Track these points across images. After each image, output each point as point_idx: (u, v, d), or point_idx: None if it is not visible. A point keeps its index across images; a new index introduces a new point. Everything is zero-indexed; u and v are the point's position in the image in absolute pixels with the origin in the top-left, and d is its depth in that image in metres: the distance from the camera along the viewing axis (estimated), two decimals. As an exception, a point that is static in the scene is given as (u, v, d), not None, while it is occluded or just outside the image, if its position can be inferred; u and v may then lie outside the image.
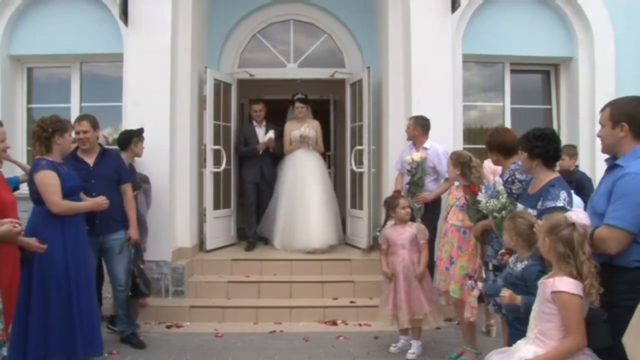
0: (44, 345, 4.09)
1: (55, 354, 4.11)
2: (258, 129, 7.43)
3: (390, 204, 4.98)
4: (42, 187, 4.13)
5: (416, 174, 5.44)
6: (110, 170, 4.93)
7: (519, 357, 2.60)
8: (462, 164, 4.48)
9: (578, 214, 2.65)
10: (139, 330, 5.32)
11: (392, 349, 4.92)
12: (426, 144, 5.79)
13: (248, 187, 7.42)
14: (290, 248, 6.95)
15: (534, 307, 2.72)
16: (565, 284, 2.53)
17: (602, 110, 3.00)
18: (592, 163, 6.38)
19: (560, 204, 3.24)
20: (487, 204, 3.79)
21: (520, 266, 3.17)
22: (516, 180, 3.93)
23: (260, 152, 7.24)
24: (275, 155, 7.44)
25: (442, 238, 4.73)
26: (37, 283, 4.06)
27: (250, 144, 7.34)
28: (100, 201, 4.49)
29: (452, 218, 4.62)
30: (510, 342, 3.02)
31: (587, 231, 2.64)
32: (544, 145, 3.45)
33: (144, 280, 5.10)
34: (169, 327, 5.55)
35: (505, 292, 3.00)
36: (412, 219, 5.06)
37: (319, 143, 7.50)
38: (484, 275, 4.18)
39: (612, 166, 2.91)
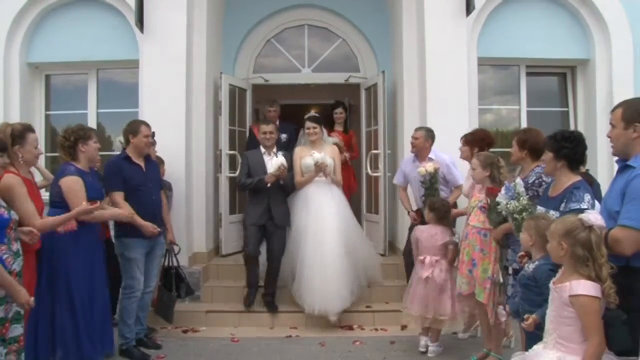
0: (52, 346, 4.15)
1: (64, 354, 4.15)
2: (266, 156, 5.92)
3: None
4: (68, 192, 4.17)
5: (432, 185, 5.40)
6: (157, 174, 5.20)
7: None
8: (491, 165, 4.43)
9: (593, 215, 2.62)
10: (156, 334, 5.37)
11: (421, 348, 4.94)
12: (430, 155, 5.69)
13: (250, 232, 5.80)
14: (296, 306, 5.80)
15: (550, 312, 2.68)
16: (583, 286, 2.51)
17: (614, 110, 2.97)
18: (610, 166, 6.25)
19: (584, 206, 3.20)
20: (508, 206, 3.74)
21: (531, 266, 3.17)
22: (543, 183, 3.90)
23: (269, 184, 5.70)
24: (287, 189, 5.98)
25: (463, 240, 4.68)
26: (47, 284, 4.10)
27: (256, 175, 5.82)
28: (123, 212, 4.61)
29: (474, 220, 4.56)
30: (529, 346, 2.98)
31: (602, 233, 2.60)
32: (572, 147, 3.42)
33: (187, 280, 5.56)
34: (185, 331, 5.58)
35: (529, 319, 2.94)
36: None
37: (337, 173, 6.07)
38: (501, 280, 4.15)
39: (623, 167, 2.88)
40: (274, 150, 5.95)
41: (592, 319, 2.48)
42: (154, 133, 5.58)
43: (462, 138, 5.31)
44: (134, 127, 4.97)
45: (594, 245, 2.55)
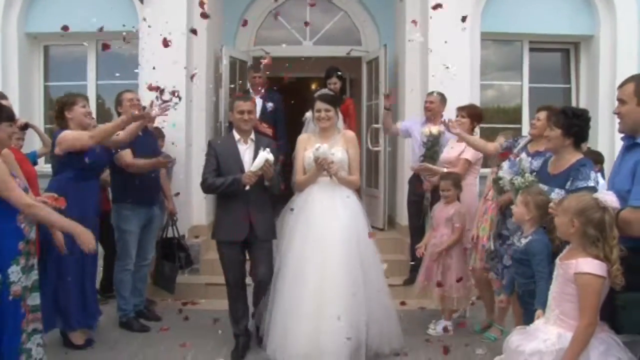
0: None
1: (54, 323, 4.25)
2: (242, 145, 4.39)
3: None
4: (72, 139, 4.21)
5: (433, 147, 5.42)
6: (154, 145, 5.22)
7: (543, 339, 2.57)
8: None
9: (609, 196, 2.58)
10: (155, 307, 5.42)
11: (430, 331, 4.88)
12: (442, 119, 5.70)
13: (225, 253, 4.36)
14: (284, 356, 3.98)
15: (553, 288, 2.69)
16: (589, 265, 2.50)
17: (623, 85, 2.84)
18: (612, 143, 6.24)
19: (591, 184, 3.18)
20: (513, 181, 3.65)
21: (524, 241, 3.20)
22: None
23: (248, 187, 4.12)
24: (274, 192, 4.39)
25: (481, 216, 4.67)
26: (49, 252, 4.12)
27: (229, 172, 4.26)
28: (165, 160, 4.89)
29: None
30: (526, 322, 3.01)
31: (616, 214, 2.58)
32: (582, 125, 3.38)
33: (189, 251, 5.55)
34: (184, 304, 5.61)
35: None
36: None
37: (353, 170, 4.39)
38: (492, 247, 4.26)
39: (632, 145, 2.80)
40: (252, 137, 4.42)
41: (590, 298, 2.49)
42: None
43: (461, 110, 5.23)
44: (118, 98, 5.07)
45: (607, 226, 2.53)
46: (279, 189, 4.41)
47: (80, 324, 4.41)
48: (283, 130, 6.82)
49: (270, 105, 6.66)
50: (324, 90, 4.54)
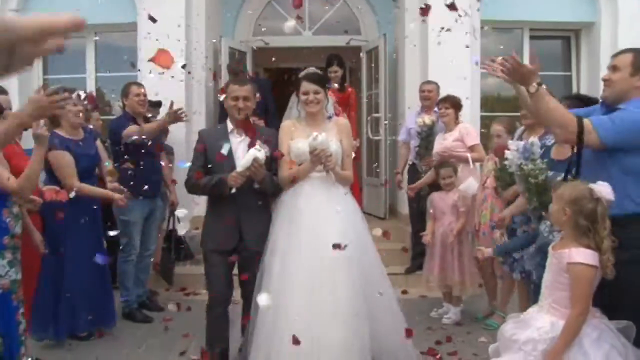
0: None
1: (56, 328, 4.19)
2: (234, 137, 3.74)
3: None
4: (56, 168, 4.12)
5: (427, 137, 5.48)
6: (157, 137, 5.11)
7: (537, 327, 2.58)
8: (514, 129, 4.46)
9: (604, 188, 2.56)
10: (158, 297, 5.44)
11: (433, 313, 4.96)
12: (436, 109, 5.70)
13: (212, 264, 3.68)
14: None
15: (547, 277, 2.68)
16: (582, 255, 2.50)
17: (619, 54, 2.79)
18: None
19: None
20: (523, 167, 3.49)
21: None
22: None
23: (234, 189, 3.50)
24: (264, 193, 3.71)
25: (481, 204, 4.69)
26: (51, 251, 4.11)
27: (219, 169, 3.64)
28: (118, 198, 4.33)
29: (492, 183, 4.56)
30: None
31: (609, 206, 2.56)
32: None
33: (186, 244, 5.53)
34: (186, 294, 5.63)
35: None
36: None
37: (347, 165, 3.70)
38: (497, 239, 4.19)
39: (609, 111, 2.75)
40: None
41: (582, 288, 2.49)
42: (159, 102, 5.56)
43: (444, 102, 5.25)
44: (125, 89, 4.99)
45: (599, 217, 2.51)
46: (275, 189, 3.68)
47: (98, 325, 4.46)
48: (275, 120, 5.99)
49: (257, 95, 6.30)
50: (310, 69, 3.73)
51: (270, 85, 6.67)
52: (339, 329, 3.22)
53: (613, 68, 2.77)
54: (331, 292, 3.26)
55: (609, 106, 2.79)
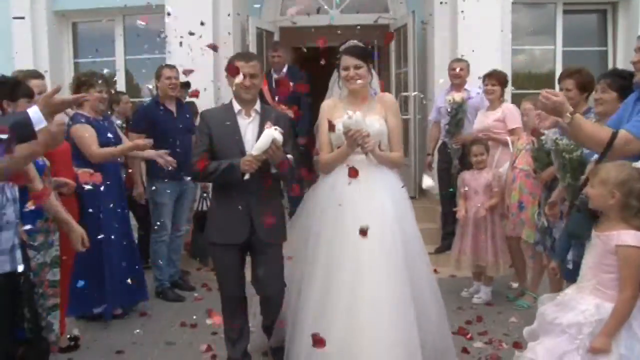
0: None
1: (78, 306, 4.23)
2: (242, 119, 3.33)
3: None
4: (78, 140, 4.19)
5: (457, 115, 5.39)
6: (188, 120, 5.14)
7: (581, 310, 2.51)
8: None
9: None
10: (189, 277, 5.51)
11: (463, 293, 4.94)
12: (467, 87, 5.67)
13: (221, 258, 3.39)
14: None
15: (589, 258, 2.60)
16: (632, 237, 2.43)
17: None
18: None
19: None
20: (558, 141, 3.46)
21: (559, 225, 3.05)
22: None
23: (248, 175, 3.13)
24: (278, 178, 3.39)
25: (510, 185, 4.64)
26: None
27: (225, 154, 3.26)
28: (139, 142, 4.41)
29: (521, 163, 4.51)
30: None
31: None
32: (631, 87, 3.22)
33: None
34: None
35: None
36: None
37: (395, 146, 3.40)
38: (546, 224, 4.02)
39: None
40: (257, 108, 3.36)
41: (632, 271, 2.42)
42: (188, 83, 5.58)
43: (490, 78, 5.18)
44: (157, 72, 5.05)
45: None
46: (294, 176, 3.41)
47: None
48: (308, 113, 5.95)
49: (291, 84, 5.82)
50: (352, 42, 3.38)
51: (305, 76, 6.27)
52: (386, 330, 2.95)
53: None
54: (374, 293, 2.99)
55: None
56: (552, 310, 2.64)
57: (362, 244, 2.98)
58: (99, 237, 4.04)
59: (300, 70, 6.71)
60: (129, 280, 4.23)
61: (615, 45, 6.94)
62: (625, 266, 2.43)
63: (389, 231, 3.09)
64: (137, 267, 4.57)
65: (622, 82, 3.28)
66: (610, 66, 6.87)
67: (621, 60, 6.80)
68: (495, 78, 5.16)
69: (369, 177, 3.20)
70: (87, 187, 3.81)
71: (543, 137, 3.72)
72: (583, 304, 2.52)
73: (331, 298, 3.03)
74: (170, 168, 4.59)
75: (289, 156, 3.25)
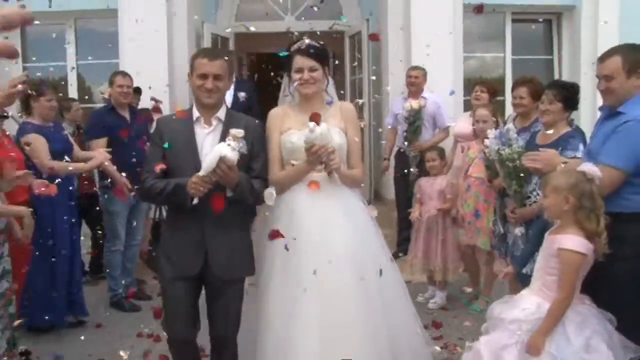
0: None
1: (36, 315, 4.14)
2: (200, 128, 2.78)
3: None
4: (31, 151, 4.08)
5: (415, 122, 5.50)
6: (142, 127, 5.03)
7: (523, 308, 2.63)
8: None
9: (591, 167, 2.58)
10: (145, 286, 5.43)
11: (419, 298, 4.99)
12: (424, 94, 5.77)
13: (168, 292, 2.83)
14: None
15: (539, 259, 2.74)
16: (571, 241, 2.54)
17: (605, 60, 2.73)
18: (593, 116, 6.25)
19: (579, 155, 3.20)
20: (500, 152, 3.62)
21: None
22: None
23: (197, 200, 2.58)
24: (239, 202, 2.73)
25: (464, 193, 4.71)
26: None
27: (179, 169, 2.72)
28: (98, 160, 4.36)
29: (475, 171, 4.59)
30: None
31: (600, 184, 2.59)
32: (576, 98, 3.48)
33: None
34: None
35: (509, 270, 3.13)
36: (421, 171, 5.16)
37: (354, 160, 2.96)
38: (502, 230, 4.10)
39: (614, 114, 2.74)
40: (219, 115, 2.80)
41: (569, 275, 2.54)
42: (138, 88, 5.51)
43: (482, 86, 5.30)
44: (110, 78, 4.99)
45: (596, 196, 2.55)
46: (255, 196, 2.75)
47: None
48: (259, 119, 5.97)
49: (242, 94, 5.71)
50: (305, 41, 2.90)
51: (253, 87, 6.21)
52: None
53: (606, 78, 2.73)
54: (345, 329, 2.66)
55: (607, 107, 2.82)
56: (500, 307, 2.78)
57: (326, 276, 2.65)
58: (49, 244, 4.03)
59: (251, 78, 6.68)
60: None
61: (560, 54, 7.20)
62: (564, 269, 2.55)
63: (358, 257, 2.75)
64: (78, 279, 4.53)
65: (566, 94, 3.46)
66: (556, 74, 7.13)
67: (566, 70, 7.07)
68: (487, 88, 5.28)
69: (330, 200, 2.81)
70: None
71: (486, 149, 3.85)
72: (526, 303, 2.66)
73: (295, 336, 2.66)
74: (123, 199, 4.59)
75: (254, 176, 2.75)
